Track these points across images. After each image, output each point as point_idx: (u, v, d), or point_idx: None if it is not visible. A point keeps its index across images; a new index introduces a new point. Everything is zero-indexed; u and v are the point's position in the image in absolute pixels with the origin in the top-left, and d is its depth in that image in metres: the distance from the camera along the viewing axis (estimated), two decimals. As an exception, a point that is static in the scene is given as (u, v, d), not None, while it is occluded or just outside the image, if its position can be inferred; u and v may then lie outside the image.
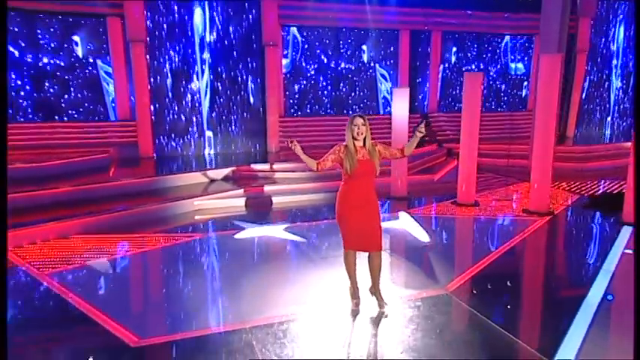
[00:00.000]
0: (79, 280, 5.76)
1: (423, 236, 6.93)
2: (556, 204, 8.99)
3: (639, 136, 6.27)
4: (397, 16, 15.93)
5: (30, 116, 13.30)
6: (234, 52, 14.14)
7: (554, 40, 9.77)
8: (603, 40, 17.76)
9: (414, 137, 4.35)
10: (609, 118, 18.90)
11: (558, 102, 10.14)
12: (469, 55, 18.00)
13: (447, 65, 17.81)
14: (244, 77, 14.39)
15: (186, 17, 13.51)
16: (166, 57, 13.56)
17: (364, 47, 16.42)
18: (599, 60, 17.86)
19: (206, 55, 13.89)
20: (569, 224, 8.37)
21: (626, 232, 7.06)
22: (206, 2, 13.56)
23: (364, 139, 4.23)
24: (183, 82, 13.81)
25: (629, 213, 7.39)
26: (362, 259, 4.44)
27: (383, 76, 16.93)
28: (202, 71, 13.95)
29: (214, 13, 13.74)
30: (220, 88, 14.19)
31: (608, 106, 18.70)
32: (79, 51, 13.46)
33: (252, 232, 7.41)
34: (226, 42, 13.99)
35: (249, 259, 6.50)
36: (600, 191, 10.02)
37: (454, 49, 17.81)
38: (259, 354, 3.70)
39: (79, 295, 5.14)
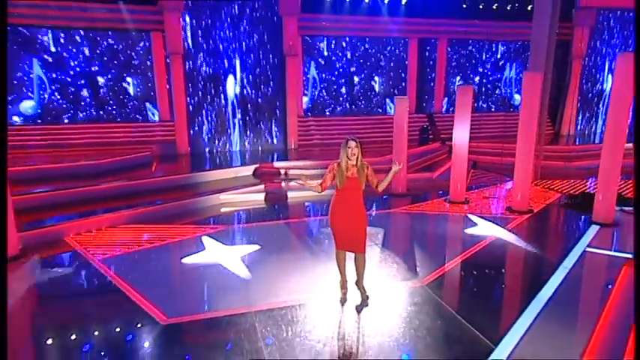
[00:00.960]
0: (122, 265, 6.16)
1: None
2: (537, 202, 8.95)
3: (639, 136, 5.91)
4: (406, 26, 16.01)
5: (90, 118, 14.06)
6: (260, 61, 14.47)
7: (542, 57, 9.75)
8: (598, 45, 17.45)
9: (390, 173, 4.65)
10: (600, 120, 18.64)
11: (541, 108, 10.22)
12: (471, 59, 17.95)
13: (451, 70, 17.81)
14: (268, 83, 14.73)
15: (217, 32, 13.90)
16: (200, 66, 14.01)
17: (376, 53, 16.58)
18: (592, 65, 17.58)
19: (235, 65, 14.25)
20: (544, 222, 8.18)
21: (592, 231, 7.07)
22: (235, 19, 13.89)
23: (356, 159, 4.53)
24: (215, 88, 14.24)
25: (598, 213, 7.44)
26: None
27: (393, 79, 17.09)
28: (232, 78, 14.32)
29: (242, 28, 14.08)
30: (247, 92, 14.57)
31: (602, 108, 18.41)
32: (129, 61, 14.08)
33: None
34: (252, 53, 14.33)
35: (261, 249, 6.69)
36: (580, 191, 9.92)
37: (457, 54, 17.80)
38: (260, 334, 4.15)
39: (120, 276, 5.65)
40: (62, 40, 13.46)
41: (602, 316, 4.48)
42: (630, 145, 14.64)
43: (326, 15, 14.99)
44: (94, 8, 12.91)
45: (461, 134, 9.02)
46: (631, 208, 8.13)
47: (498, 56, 18.06)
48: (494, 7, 16.10)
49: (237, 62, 14.28)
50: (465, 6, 16.15)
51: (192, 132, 14.25)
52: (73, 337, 4.32)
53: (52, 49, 13.40)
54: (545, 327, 4.28)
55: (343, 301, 4.82)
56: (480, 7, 16.15)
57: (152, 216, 8.29)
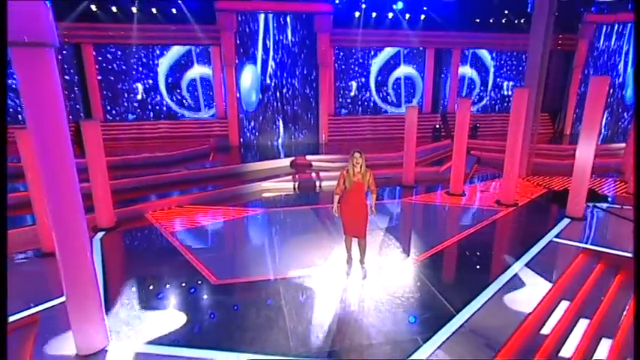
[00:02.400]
0: (187, 236, 6.98)
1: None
2: (524, 196, 8.90)
3: (639, 136, 5.48)
4: (424, 37, 16.02)
5: (163, 116, 15.15)
6: (298, 70, 14.94)
7: (536, 69, 9.72)
8: (597, 54, 16.81)
9: (373, 203, 5.17)
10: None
11: (535, 112, 10.23)
12: (481, 66, 17.74)
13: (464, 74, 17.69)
14: (304, 87, 15.16)
15: (264, 45, 14.46)
16: (249, 74, 14.68)
17: (397, 61, 16.71)
18: (593, 72, 16.96)
19: (277, 72, 14.80)
20: (524, 215, 8.03)
21: (563, 224, 7.11)
22: (276, 33, 14.38)
23: (360, 167, 5.06)
24: (261, 92, 14.89)
25: (570, 208, 7.47)
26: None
27: (412, 84, 17.20)
28: (275, 84, 14.90)
29: (283, 42, 14.54)
30: (287, 95, 15.08)
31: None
32: (193, 69, 14.95)
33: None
34: (292, 62, 14.78)
35: (289, 230, 7.34)
36: (565, 187, 9.87)
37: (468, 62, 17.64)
38: (282, 296, 4.88)
39: (186, 245, 6.46)
40: (143, 54, 14.57)
41: (549, 294, 4.89)
42: (614, 145, 14.25)
43: (354, 29, 15.23)
44: (170, 29, 13.87)
45: (460, 134, 9.03)
46: (603, 204, 8.23)
47: (502, 62, 17.75)
48: (502, 20, 15.77)
49: (280, 70, 14.77)
50: (477, 20, 15.90)
51: (241, 127, 14.99)
52: (151, 287, 5.20)
53: (143, 61, 14.59)
54: (499, 302, 4.73)
55: (348, 274, 5.45)
56: (490, 20, 15.86)
57: (210, 198, 9.07)
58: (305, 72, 14.93)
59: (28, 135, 5.52)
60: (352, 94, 16.55)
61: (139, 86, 14.85)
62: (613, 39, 16.03)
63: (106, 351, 3.92)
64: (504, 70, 17.77)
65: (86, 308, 3.77)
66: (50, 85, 3.32)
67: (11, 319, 4.38)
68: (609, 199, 8.69)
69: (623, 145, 12.57)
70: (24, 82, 3.24)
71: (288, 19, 14.24)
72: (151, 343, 4.08)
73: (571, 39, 16.07)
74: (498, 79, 17.87)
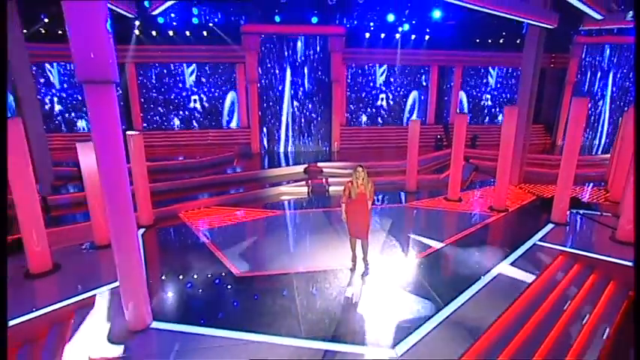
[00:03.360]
0: (213, 233, 7.41)
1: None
2: (514, 203, 8.99)
3: (639, 138, 5.45)
4: (429, 56, 16.25)
5: (193, 125, 15.78)
6: (313, 85, 15.33)
7: (527, 90, 9.93)
8: (589, 73, 16.75)
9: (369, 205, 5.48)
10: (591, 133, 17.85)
11: (527, 125, 10.36)
12: (480, 81, 17.86)
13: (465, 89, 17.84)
14: (319, 101, 15.54)
15: (283, 63, 14.93)
16: (269, 90, 15.17)
17: (404, 77, 16.98)
18: (583, 88, 16.92)
19: (295, 87, 15.22)
20: (512, 220, 8.08)
21: (547, 229, 7.23)
22: (295, 53, 14.83)
23: (362, 179, 5.42)
24: (280, 105, 15.32)
25: (554, 214, 7.58)
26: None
27: (416, 97, 17.44)
28: (292, 98, 15.33)
29: (300, 60, 14.99)
30: (303, 108, 15.50)
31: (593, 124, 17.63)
32: (221, 84, 15.58)
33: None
34: (308, 79, 15.21)
35: (302, 230, 7.70)
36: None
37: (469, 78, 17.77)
38: (295, 288, 5.26)
39: (213, 242, 6.89)
40: (178, 71, 15.28)
41: (527, 290, 5.15)
42: (600, 155, 14.15)
43: (364, 49, 15.55)
44: (201, 49, 14.50)
45: (457, 146, 9.25)
46: (586, 211, 8.34)
47: (500, 80, 17.82)
48: (500, 41, 15.89)
49: (297, 86, 15.20)
50: (477, 40, 16.06)
51: (262, 136, 15.47)
52: (181, 277, 5.66)
53: (177, 77, 15.29)
54: (482, 297, 5.03)
55: (352, 270, 5.80)
56: (489, 40, 16.00)
57: (234, 200, 9.54)
58: (319, 87, 15.31)
59: (87, 146, 6.10)
60: (362, 106, 16.86)
61: (173, 99, 15.54)
62: (606, 57, 16.02)
63: (150, 328, 4.39)
64: (504, 84, 17.84)
65: (135, 291, 4.25)
66: (112, 112, 3.81)
67: (74, 299, 4.90)
68: (591, 206, 8.78)
69: (607, 155, 12.57)
70: (92, 110, 3.74)
71: (305, 40, 14.66)
72: (183, 323, 4.52)
73: (563, 58, 16.10)
74: (495, 93, 17.93)
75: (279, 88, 15.16)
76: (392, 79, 16.82)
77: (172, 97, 15.56)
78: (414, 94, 17.25)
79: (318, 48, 14.86)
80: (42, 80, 14.54)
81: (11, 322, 4.44)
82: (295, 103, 15.36)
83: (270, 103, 15.30)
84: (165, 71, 15.32)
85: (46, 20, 12.48)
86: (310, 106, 15.52)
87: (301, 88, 15.27)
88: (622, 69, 16.28)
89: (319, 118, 15.70)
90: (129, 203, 4.08)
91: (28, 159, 5.30)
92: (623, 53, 16.02)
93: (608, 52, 16.17)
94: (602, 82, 16.56)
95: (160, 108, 15.63)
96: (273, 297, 5.07)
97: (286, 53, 14.81)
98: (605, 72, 16.36)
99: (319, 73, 15.17)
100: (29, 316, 4.60)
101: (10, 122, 5.14)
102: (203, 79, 15.55)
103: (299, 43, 14.75)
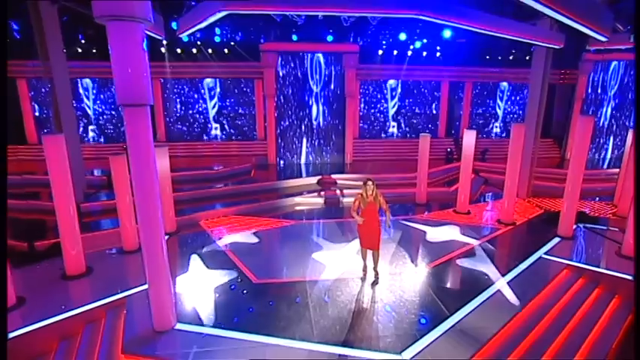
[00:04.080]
0: (232, 242, 7.60)
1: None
2: (522, 216, 8.96)
3: (639, 144, 5.35)
4: (440, 72, 16.45)
5: (212, 137, 16.36)
6: (328, 99, 15.66)
7: (535, 106, 10.02)
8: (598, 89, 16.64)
9: (388, 218, 5.67)
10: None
11: (535, 139, 10.38)
12: (490, 97, 17.90)
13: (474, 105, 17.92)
14: (333, 114, 15.85)
15: (299, 79, 15.33)
16: (286, 104, 15.56)
17: (416, 92, 17.17)
18: (592, 104, 16.79)
19: (310, 102, 15.59)
20: (520, 233, 8.07)
21: (553, 242, 7.23)
22: (310, 70, 15.21)
23: (372, 191, 5.63)
24: (296, 119, 15.69)
25: (560, 228, 7.59)
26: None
27: (428, 111, 17.58)
28: (308, 112, 15.67)
29: (315, 77, 15.36)
30: (318, 122, 15.81)
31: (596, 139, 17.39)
32: (239, 99, 16.07)
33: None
34: (323, 93, 15.57)
35: (316, 240, 7.75)
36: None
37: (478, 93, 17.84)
38: (308, 295, 5.46)
39: (230, 249, 7.13)
40: (200, 85, 15.86)
41: (532, 303, 5.23)
42: (609, 170, 13.97)
43: (378, 65, 15.86)
44: (221, 65, 15.05)
45: (466, 161, 9.45)
46: (592, 226, 8.31)
47: (508, 94, 17.84)
48: (510, 57, 15.97)
49: (312, 100, 15.56)
50: (487, 57, 16.19)
51: (278, 148, 15.83)
52: (205, 282, 5.90)
53: (199, 91, 15.87)
54: (487, 307, 5.13)
55: (363, 279, 5.98)
56: (499, 58, 16.10)
57: (251, 210, 9.79)
58: (334, 101, 15.64)
59: (118, 159, 6.51)
60: (374, 120, 17.10)
61: (195, 112, 16.15)
62: (614, 74, 15.91)
63: (175, 329, 4.66)
64: (514, 99, 17.85)
65: (162, 294, 4.54)
66: (146, 131, 4.15)
67: (106, 300, 5.22)
68: (598, 220, 8.73)
69: (617, 170, 12.41)
70: (129, 129, 4.09)
71: (321, 57, 15.08)
72: (204, 325, 4.78)
73: (573, 74, 16.07)
74: (507, 107, 17.95)
75: (295, 103, 15.52)
76: (404, 94, 17.04)
77: (194, 110, 16.18)
78: (425, 108, 17.41)
79: (333, 64, 15.24)
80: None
81: (51, 320, 4.79)
82: (310, 116, 15.68)
83: (286, 117, 15.67)
84: (186, 88, 15.98)
85: (83, 41, 13.28)
86: (325, 119, 15.82)
87: (316, 103, 15.60)
88: (631, 86, 16.12)
89: (333, 131, 15.98)
90: (158, 212, 4.38)
91: (69, 174, 5.69)
92: (632, 70, 15.89)
93: (616, 69, 16.06)
94: (610, 98, 16.43)
95: (182, 121, 16.26)
96: (288, 303, 5.28)
97: (302, 69, 15.20)
98: (614, 88, 16.23)
99: (334, 88, 15.51)
100: (66, 315, 4.93)
101: (53, 139, 5.58)
102: (223, 93, 16.11)
103: (315, 60, 15.14)
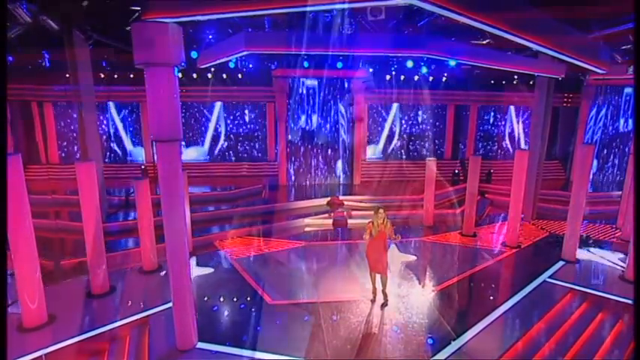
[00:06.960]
0: (246, 262, 7.88)
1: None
2: (527, 239, 9.11)
3: (639, 151, 5.36)
4: (446, 96, 16.91)
5: (226, 158, 16.94)
6: (336, 123, 16.12)
7: (539, 131, 10.35)
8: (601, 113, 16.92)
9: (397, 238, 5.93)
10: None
11: (539, 162, 10.64)
12: (493, 120, 18.28)
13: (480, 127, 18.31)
14: (342, 136, 16.26)
15: (309, 103, 15.86)
16: (297, 125, 16.05)
17: (422, 115, 17.65)
18: (595, 127, 17.03)
19: (320, 125, 16.05)
20: (525, 256, 8.22)
21: (557, 266, 7.41)
22: (320, 94, 15.77)
23: (382, 219, 5.88)
24: (306, 140, 16.17)
25: (564, 252, 7.78)
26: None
27: (434, 134, 18.00)
28: (317, 135, 16.06)
29: (325, 101, 15.88)
30: (327, 144, 16.26)
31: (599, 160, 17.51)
32: (252, 121, 16.71)
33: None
34: (332, 117, 16.06)
35: (326, 262, 7.99)
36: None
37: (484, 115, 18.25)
38: (322, 316, 5.71)
39: (246, 270, 7.39)
40: (214, 109, 16.55)
41: (536, 326, 5.41)
42: (614, 192, 14.04)
43: (385, 90, 16.36)
44: (234, 89, 15.71)
45: (471, 185, 9.65)
46: (597, 249, 8.44)
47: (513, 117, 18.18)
48: (514, 82, 16.42)
49: (321, 123, 16.04)
50: (492, 82, 16.65)
51: (289, 169, 16.23)
52: (221, 302, 6.20)
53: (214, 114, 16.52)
54: (492, 331, 5.34)
55: (373, 301, 6.20)
56: (503, 82, 16.56)
57: (263, 231, 10.05)
58: (343, 124, 16.12)
59: (143, 183, 6.94)
60: (381, 142, 17.52)
61: (209, 134, 16.78)
62: (616, 99, 16.26)
63: (197, 347, 4.95)
64: (519, 120, 18.22)
65: (186, 313, 4.84)
66: (176, 163, 4.56)
67: (131, 319, 5.53)
68: (602, 244, 8.85)
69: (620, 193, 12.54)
70: (161, 161, 4.51)
71: (331, 82, 15.64)
72: (223, 344, 5.04)
73: (576, 97, 16.42)
74: (511, 128, 18.28)
75: (306, 127, 16.01)
76: (411, 117, 17.52)
77: (209, 132, 16.82)
78: (432, 130, 17.84)
79: (342, 89, 15.78)
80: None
81: (81, 337, 5.11)
82: (319, 139, 16.13)
83: (297, 139, 16.14)
84: (202, 110, 16.66)
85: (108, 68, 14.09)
86: (334, 142, 16.26)
87: (326, 126, 16.09)
88: (631, 110, 16.39)
89: (342, 154, 16.37)
90: (185, 237, 4.75)
91: (97, 199, 6.11)
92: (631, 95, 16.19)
93: (618, 93, 16.37)
94: (613, 122, 16.70)
95: (197, 142, 16.87)
96: (302, 323, 5.53)
97: (312, 94, 15.76)
98: (616, 112, 16.51)
99: (343, 111, 16.02)
100: (95, 332, 5.24)
101: (85, 166, 6.04)
102: (236, 116, 16.76)
103: (324, 85, 15.70)
